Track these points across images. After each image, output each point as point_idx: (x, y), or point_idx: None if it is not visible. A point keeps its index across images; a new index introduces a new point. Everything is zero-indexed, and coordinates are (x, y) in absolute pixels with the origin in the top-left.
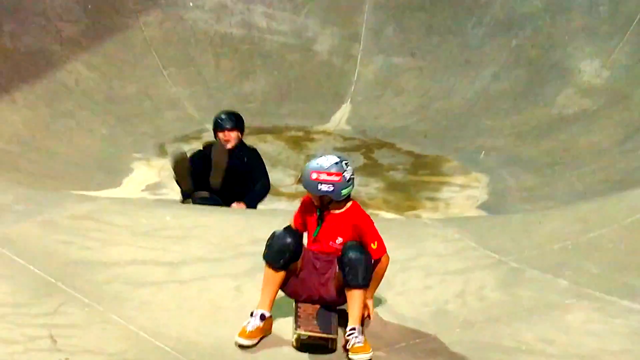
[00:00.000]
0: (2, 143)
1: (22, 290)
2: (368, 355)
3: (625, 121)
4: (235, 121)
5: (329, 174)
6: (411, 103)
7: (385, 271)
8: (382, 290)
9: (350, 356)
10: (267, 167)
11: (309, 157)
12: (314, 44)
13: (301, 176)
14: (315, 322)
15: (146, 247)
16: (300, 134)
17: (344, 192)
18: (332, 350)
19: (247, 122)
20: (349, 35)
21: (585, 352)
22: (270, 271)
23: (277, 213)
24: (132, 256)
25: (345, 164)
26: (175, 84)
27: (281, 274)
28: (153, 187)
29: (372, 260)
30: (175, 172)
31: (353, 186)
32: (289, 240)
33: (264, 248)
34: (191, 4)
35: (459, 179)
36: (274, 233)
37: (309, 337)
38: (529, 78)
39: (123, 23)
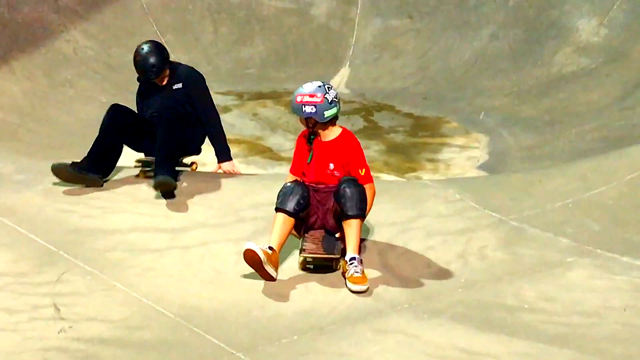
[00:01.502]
0: (1, 113)
1: (24, 259)
2: (365, 287)
3: (623, 78)
4: (159, 65)
5: (311, 96)
6: (410, 65)
7: (372, 200)
8: (383, 251)
9: (348, 285)
10: (267, 132)
11: None
12: (312, 7)
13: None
14: (319, 245)
15: (147, 214)
16: None
17: (327, 113)
18: (335, 269)
19: (246, 87)
20: None
21: (587, 309)
22: (281, 218)
23: (278, 177)
24: (133, 223)
25: (328, 87)
26: (174, 50)
27: (292, 221)
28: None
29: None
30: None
31: (338, 109)
32: (300, 188)
33: (277, 198)
34: None
35: (459, 140)
36: (285, 184)
37: (314, 258)
38: (527, 37)
39: None
